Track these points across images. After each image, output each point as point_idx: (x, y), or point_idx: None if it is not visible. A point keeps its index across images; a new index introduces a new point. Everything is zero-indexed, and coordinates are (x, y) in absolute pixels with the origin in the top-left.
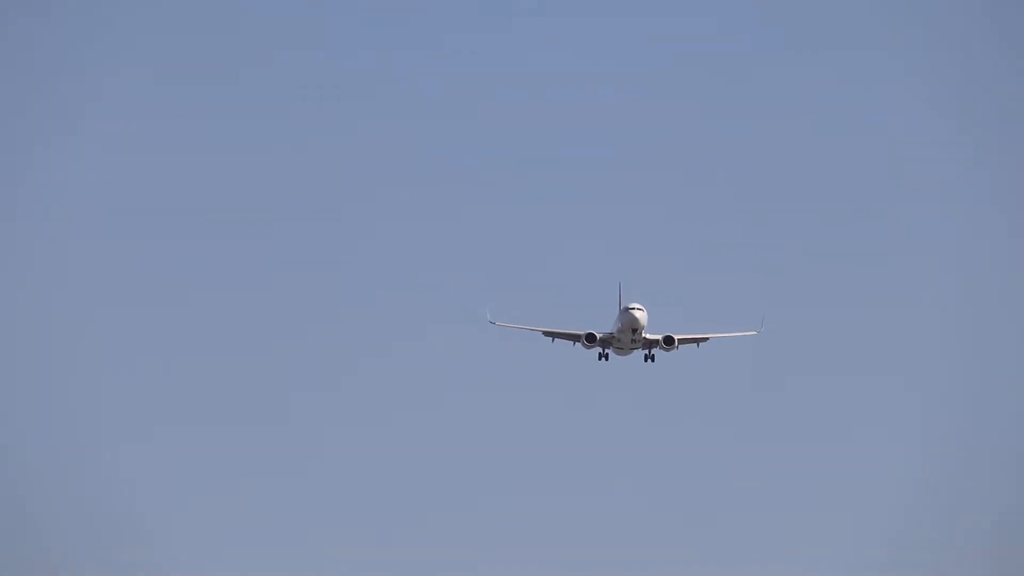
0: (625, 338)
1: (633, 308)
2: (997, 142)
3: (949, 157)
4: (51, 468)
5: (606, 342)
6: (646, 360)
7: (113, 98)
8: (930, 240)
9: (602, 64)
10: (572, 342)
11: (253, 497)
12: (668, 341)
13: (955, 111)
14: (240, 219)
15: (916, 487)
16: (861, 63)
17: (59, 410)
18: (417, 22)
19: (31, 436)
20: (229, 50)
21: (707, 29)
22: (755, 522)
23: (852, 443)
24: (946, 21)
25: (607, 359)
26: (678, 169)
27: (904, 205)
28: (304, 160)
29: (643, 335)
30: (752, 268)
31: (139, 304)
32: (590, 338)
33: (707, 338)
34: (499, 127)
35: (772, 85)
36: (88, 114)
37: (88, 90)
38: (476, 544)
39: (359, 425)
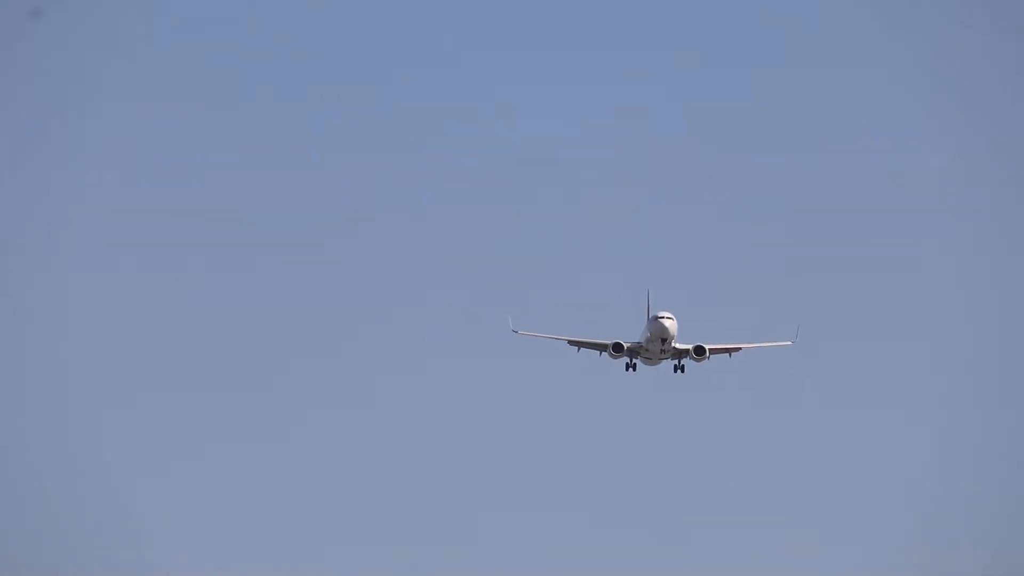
0: (654, 348)
1: (663, 317)
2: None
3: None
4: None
5: (634, 352)
6: (675, 371)
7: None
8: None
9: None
10: (599, 352)
11: (257, 505)
12: (699, 351)
13: (959, 130)
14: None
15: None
16: (863, 81)
17: (54, 445)
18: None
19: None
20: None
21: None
22: (790, 541)
23: (887, 458)
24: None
25: (635, 369)
26: (707, 175)
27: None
28: (308, 168)
29: (673, 345)
30: (786, 277)
31: (139, 323)
32: (617, 348)
33: (740, 348)
34: (518, 130)
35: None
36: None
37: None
38: (505, 556)
39: (379, 440)
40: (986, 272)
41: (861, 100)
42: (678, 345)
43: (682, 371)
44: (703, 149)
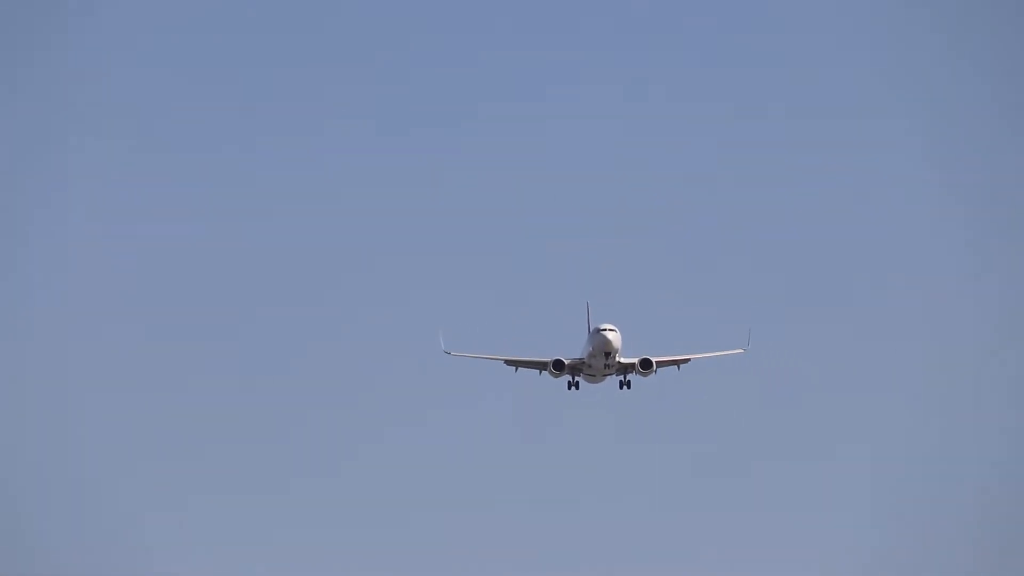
0: (597, 363)
1: (605, 329)
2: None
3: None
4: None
5: (576, 369)
6: (621, 387)
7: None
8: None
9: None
10: (538, 371)
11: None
12: (645, 364)
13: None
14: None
15: (907, 506)
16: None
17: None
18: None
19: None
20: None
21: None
22: (747, 553)
23: (849, 464)
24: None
25: (577, 388)
26: (645, 183)
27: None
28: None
29: (617, 359)
30: (733, 283)
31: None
32: (558, 365)
33: (688, 359)
34: (453, 132)
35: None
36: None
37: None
38: None
39: (315, 469)
40: (942, 265)
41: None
42: (623, 359)
43: (628, 387)
44: (637, 153)
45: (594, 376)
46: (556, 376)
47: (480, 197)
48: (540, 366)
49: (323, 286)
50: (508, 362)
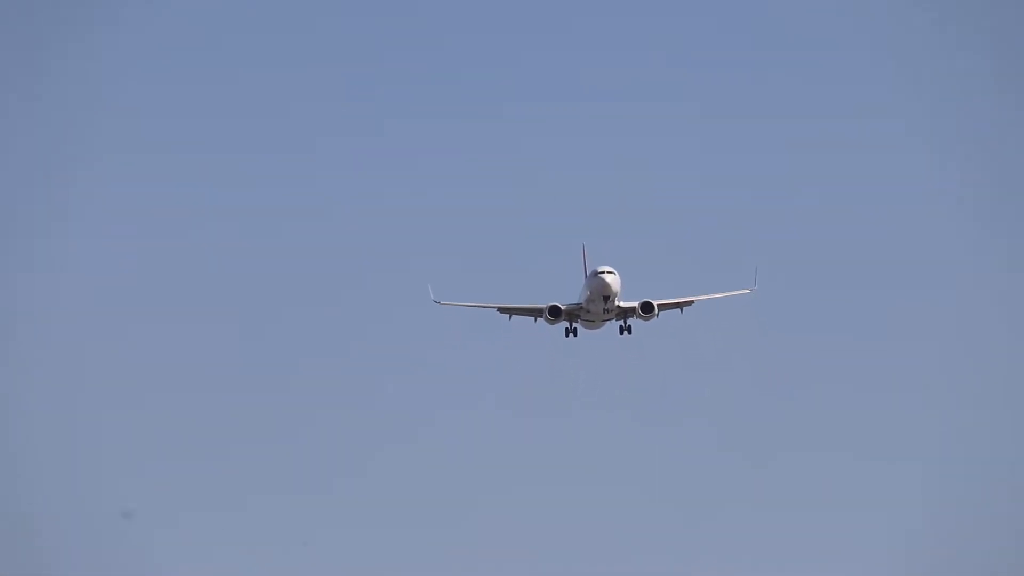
0: (596, 308)
1: (604, 271)
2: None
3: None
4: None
5: (573, 315)
6: (622, 332)
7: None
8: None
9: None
10: (533, 318)
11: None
12: (646, 308)
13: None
14: None
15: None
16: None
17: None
18: None
19: None
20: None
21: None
22: (758, 514)
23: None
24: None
25: (575, 335)
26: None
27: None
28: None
29: (616, 303)
30: (736, 220)
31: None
32: (554, 311)
33: (691, 301)
34: (437, 80)
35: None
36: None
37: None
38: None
39: (298, 427)
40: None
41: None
42: (622, 303)
43: (629, 332)
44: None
45: (592, 322)
46: (552, 323)
47: (470, 143)
48: (535, 313)
49: (309, 241)
50: (501, 310)
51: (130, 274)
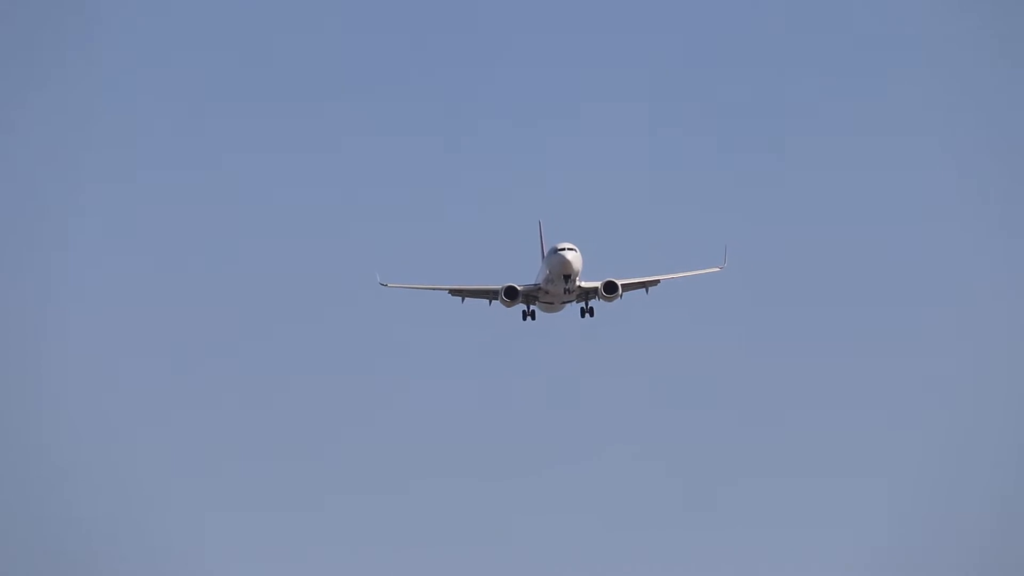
0: (556, 288)
1: (563, 248)
2: None
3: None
4: None
5: (531, 296)
6: (583, 315)
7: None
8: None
9: None
10: (488, 300)
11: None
12: (609, 288)
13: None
14: None
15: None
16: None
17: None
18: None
19: None
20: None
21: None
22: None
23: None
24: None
25: (533, 318)
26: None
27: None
28: None
29: (578, 283)
30: (705, 195)
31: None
32: (510, 293)
33: (657, 281)
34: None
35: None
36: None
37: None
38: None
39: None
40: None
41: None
42: (584, 283)
43: (591, 315)
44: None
45: (552, 304)
46: (508, 305)
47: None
48: (490, 295)
49: (249, 221)
50: (453, 292)
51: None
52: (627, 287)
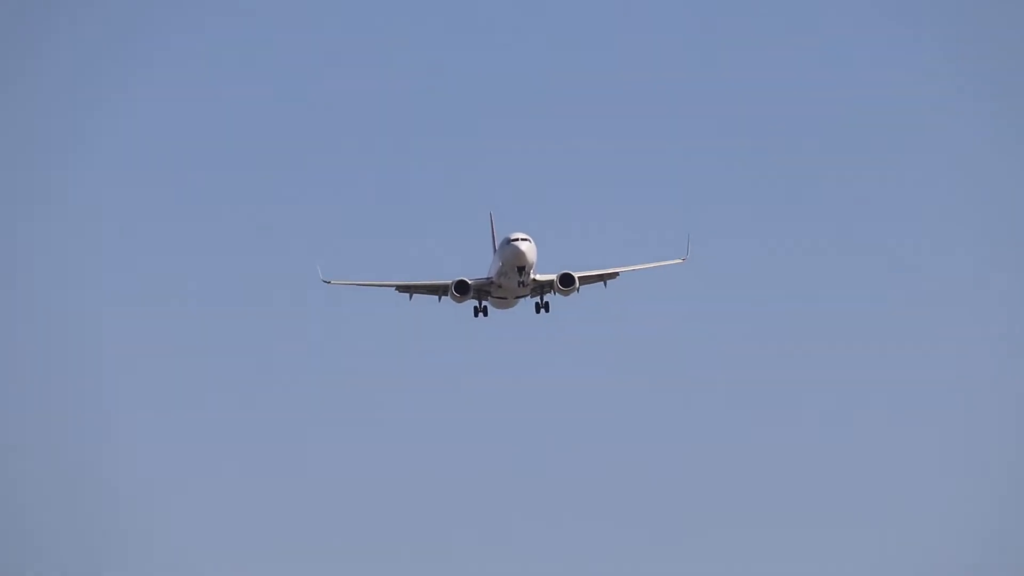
0: (509, 282)
1: (517, 239)
2: None
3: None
4: None
5: (483, 291)
6: (538, 310)
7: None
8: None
9: None
10: (437, 296)
11: None
12: (566, 281)
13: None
14: None
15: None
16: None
17: None
18: None
19: None
20: None
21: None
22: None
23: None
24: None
25: (485, 314)
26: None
27: None
28: None
29: (532, 276)
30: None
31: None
32: (461, 287)
33: (616, 273)
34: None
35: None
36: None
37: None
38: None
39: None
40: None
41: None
42: (538, 276)
43: (546, 310)
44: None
45: (505, 299)
46: (459, 301)
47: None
48: (439, 290)
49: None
50: (400, 288)
51: None
52: (584, 280)
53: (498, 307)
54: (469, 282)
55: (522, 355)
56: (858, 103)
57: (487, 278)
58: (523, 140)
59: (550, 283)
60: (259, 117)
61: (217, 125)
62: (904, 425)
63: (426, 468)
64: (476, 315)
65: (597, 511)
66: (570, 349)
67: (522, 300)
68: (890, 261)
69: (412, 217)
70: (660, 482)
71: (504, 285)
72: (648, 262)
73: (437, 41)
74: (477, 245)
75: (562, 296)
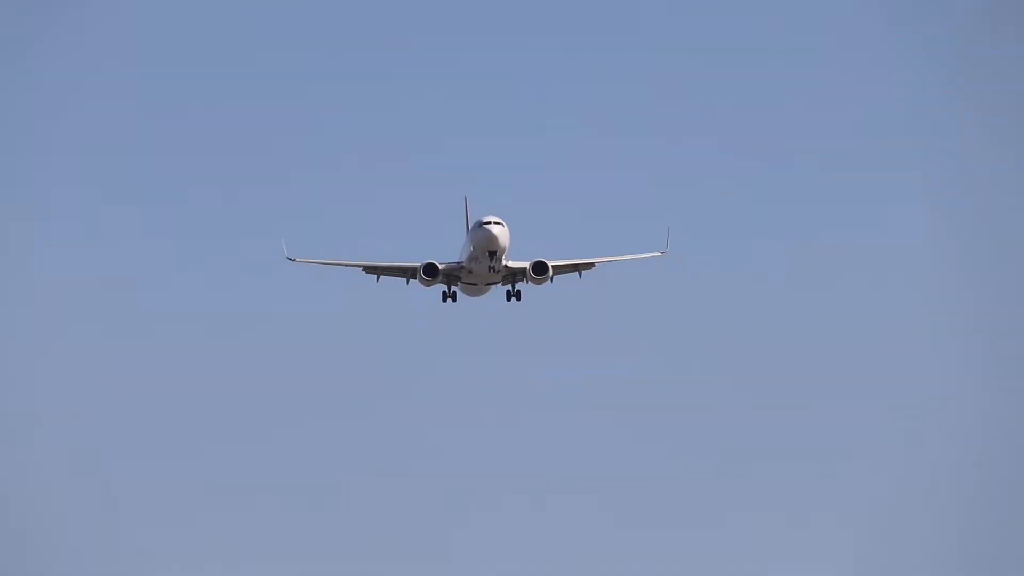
0: (480, 267)
1: (489, 222)
2: None
3: None
4: None
5: (453, 275)
6: (509, 298)
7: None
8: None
9: None
10: (405, 279)
11: None
12: (539, 269)
13: None
14: None
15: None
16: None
17: None
18: None
19: None
20: None
21: None
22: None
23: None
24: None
25: (454, 300)
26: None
27: None
28: None
29: (504, 262)
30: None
31: None
32: (430, 271)
33: (592, 264)
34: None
35: None
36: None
37: None
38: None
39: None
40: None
41: None
42: (511, 263)
43: (518, 299)
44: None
45: (475, 285)
46: (428, 284)
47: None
48: (407, 273)
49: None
50: (367, 269)
51: None
52: (559, 269)
53: (468, 293)
54: (439, 265)
55: (488, 344)
56: (844, 104)
57: (457, 262)
58: (504, 124)
59: (523, 271)
60: (229, 95)
61: (192, 104)
62: (883, 425)
63: (383, 462)
64: (444, 300)
65: (557, 509)
66: (539, 340)
67: (494, 288)
68: (875, 260)
69: (385, 198)
70: (627, 481)
71: (475, 270)
72: (627, 254)
73: (419, 22)
74: (451, 229)
75: (535, 285)
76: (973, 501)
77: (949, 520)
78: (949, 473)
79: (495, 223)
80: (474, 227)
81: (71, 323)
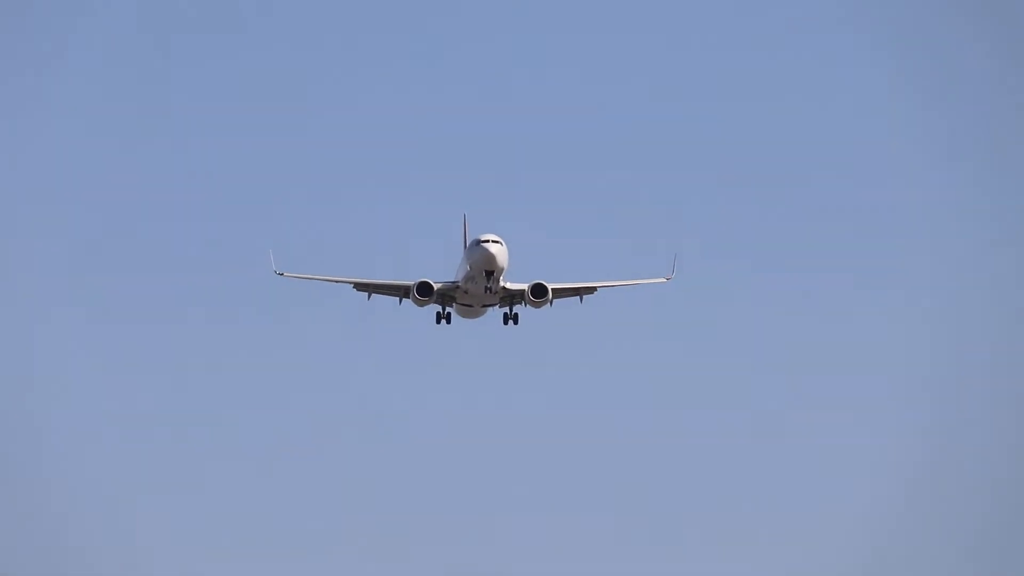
0: (476, 287)
1: (487, 241)
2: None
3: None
4: None
5: (448, 296)
6: (506, 321)
7: None
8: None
9: None
10: (398, 298)
11: None
12: (538, 292)
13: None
14: None
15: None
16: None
17: None
18: None
19: None
20: None
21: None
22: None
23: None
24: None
25: (448, 321)
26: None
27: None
28: None
29: (502, 283)
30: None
31: None
32: (424, 290)
33: (594, 288)
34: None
35: None
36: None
37: None
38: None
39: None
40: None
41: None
42: (509, 285)
43: (515, 322)
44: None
45: (471, 307)
46: (421, 304)
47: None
48: (400, 291)
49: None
50: (358, 286)
51: None
52: (559, 293)
53: (464, 315)
54: (433, 284)
55: (482, 366)
56: (850, 124)
57: (453, 282)
58: (509, 145)
59: (521, 293)
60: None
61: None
62: (892, 449)
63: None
64: (439, 322)
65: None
66: (535, 366)
67: (491, 310)
68: (885, 289)
69: (384, 214)
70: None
71: (471, 291)
72: (630, 279)
73: (428, 49)
74: (449, 249)
75: (533, 308)
76: (975, 506)
77: (951, 525)
78: (951, 480)
79: (494, 242)
80: (472, 245)
81: (54, 343)
